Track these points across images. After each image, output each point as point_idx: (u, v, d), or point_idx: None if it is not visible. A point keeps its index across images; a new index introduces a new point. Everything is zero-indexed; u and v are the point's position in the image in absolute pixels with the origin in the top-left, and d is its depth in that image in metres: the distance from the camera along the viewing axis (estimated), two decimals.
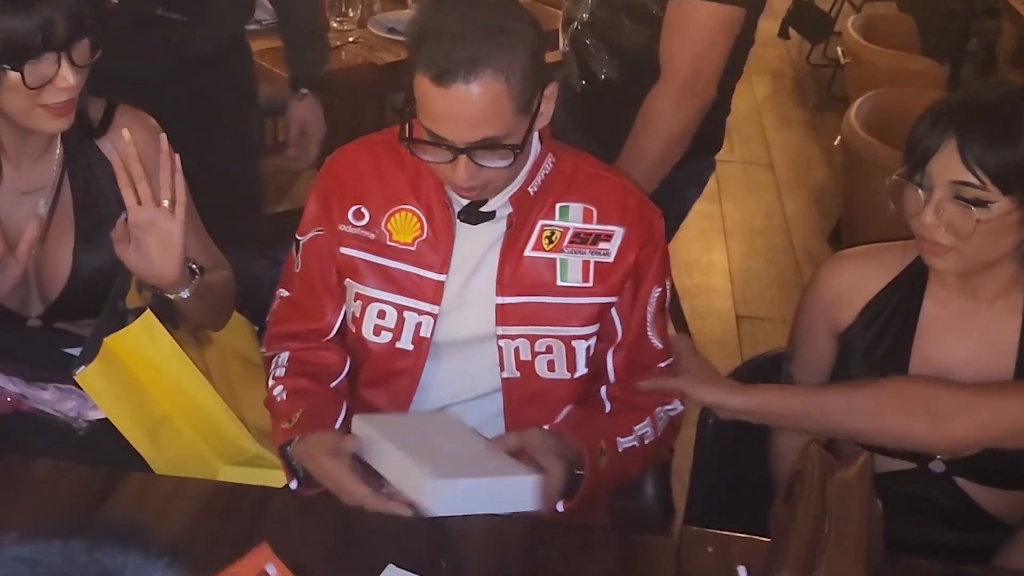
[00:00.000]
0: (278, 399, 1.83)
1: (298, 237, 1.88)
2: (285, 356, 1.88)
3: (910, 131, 1.74)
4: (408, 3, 3.73)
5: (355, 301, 1.84)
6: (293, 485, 1.76)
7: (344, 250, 1.83)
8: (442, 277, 1.80)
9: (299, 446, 1.74)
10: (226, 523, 1.67)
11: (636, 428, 1.83)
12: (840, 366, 1.91)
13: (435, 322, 1.81)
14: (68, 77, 1.76)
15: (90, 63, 1.81)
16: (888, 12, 5.79)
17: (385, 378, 1.86)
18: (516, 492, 1.63)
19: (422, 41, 1.61)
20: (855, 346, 1.88)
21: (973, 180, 1.67)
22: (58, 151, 1.92)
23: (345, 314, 1.89)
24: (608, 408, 1.87)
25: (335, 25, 3.55)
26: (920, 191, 1.71)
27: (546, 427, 1.77)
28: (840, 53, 4.57)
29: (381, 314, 1.82)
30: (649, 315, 1.85)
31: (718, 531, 1.74)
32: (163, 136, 1.82)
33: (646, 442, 1.84)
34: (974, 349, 1.82)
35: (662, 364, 1.89)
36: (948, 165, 1.69)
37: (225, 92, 2.62)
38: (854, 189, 3.57)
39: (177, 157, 1.79)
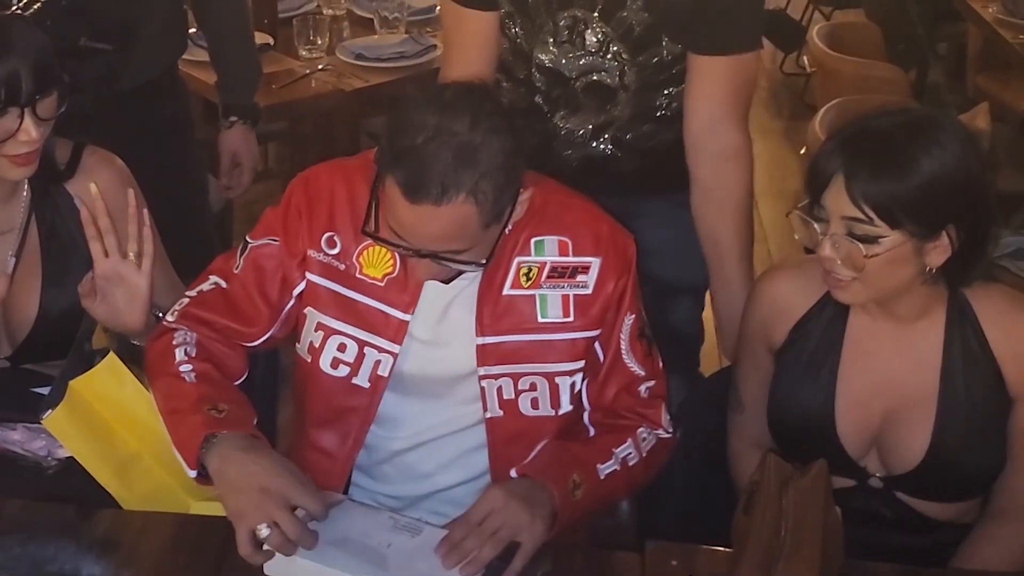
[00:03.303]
0: (185, 377, 1.74)
1: (249, 240, 1.84)
2: (194, 336, 1.79)
3: (810, 159, 1.74)
4: (377, 29, 3.75)
5: (315, 331, 1.82)
6: (192, 474, 1.68)
7: (311, 277, 1.81)
8: (407, 317, 1.79)
9: (228, 439, 1.66)
10: (196, 556, 1.70)
11: (617, 451, 1.82)
12: (776, 385, 1.92)
13: (394, 361, 1.80)
14: (31, 131, 1.77)
15: (55, 116, 1.81)
16: (857, 20, 5.83)
17: (336, 415, 1.85)
18: None
19: (395, 152, 1.60)
20: (788, 367, 1.90)
21: (861, 216, 1.67)
22: (25, 193, 1.93)
23: (273, 336, 1.85)
24: (592, 432, 1.87)
25: (304, 53, 3.58)
26: (817, 225, 1.72)
27: (513, 472, 1.75)
28: (806, 62, 4.61)
29: (341, 347, 1.81)
30: (623, 343, 1.84)
31: (682, 544, 1.76)
32: (131, 191, 1.83)
33: (630, 464, 1.82)
34: (898, 367, 1.83)
35: (644, 386, 1.88)
36: (838, 200, 1.69)
37: (158, 126, 2.62)
38: None
39: (146, 211, 1.81)
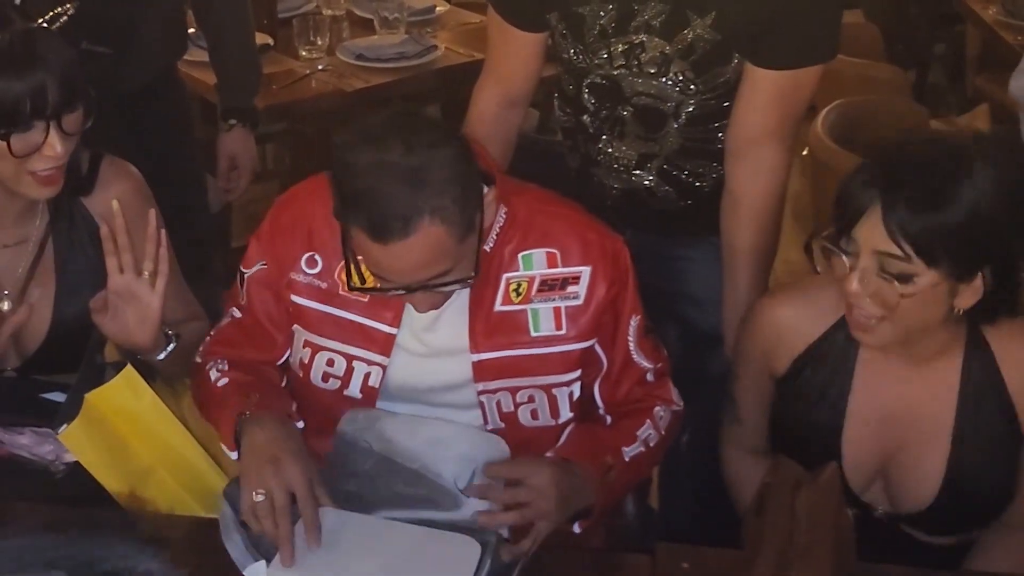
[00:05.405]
0: (219, 384, 1.80)
1: (243, 270, 1.86)
2: (225, 361, 1.85)
3: (839, 187, 1.66)
4: (376, 29, 3.74)
5: (303, 348, 1.83)
6: (233, 456, 1.74)
7: (295, 299, 1.81)
8: (393, 330, 1.79)
9: (259, 417, 1.71)
10: (205, 557, 1.69)
11: (639, 432, 1.83)
12: (779, 413, 1.89)
13: (384, 373, 1.80)
14: (56, 145, 1.74)
15: (81, 131, 1.80)
16: (855, 20, 5.83)
17: (333, 424, 1.83)
18: None
19: (346, 201, 1.60)
20: (793, 399, 1.85)
21: (897, 252, 1.59)
22: (43, 206, 1.91)
23: (291, 354, 1.88)
24: (608, 420, 1.87)
25: (304, 54, 3.57)
26: (846, 258, 1.64)
27: (549, 454, 1.75)
28: None
29: (330, 362, 1.82)
30: (632, 344, 1.85)
31: (693, 546, 1.76)
32: (152, 211, 1.82)
33: (651, 444, 1.84)
34: (911, 404, 1.78)
35: (650, 372, 1.88)
36: (873, 233, 1.60)
37: (158, 128, 2.62)
38: (823, 199, 3.59)
39: (163, 232, 1.80)
